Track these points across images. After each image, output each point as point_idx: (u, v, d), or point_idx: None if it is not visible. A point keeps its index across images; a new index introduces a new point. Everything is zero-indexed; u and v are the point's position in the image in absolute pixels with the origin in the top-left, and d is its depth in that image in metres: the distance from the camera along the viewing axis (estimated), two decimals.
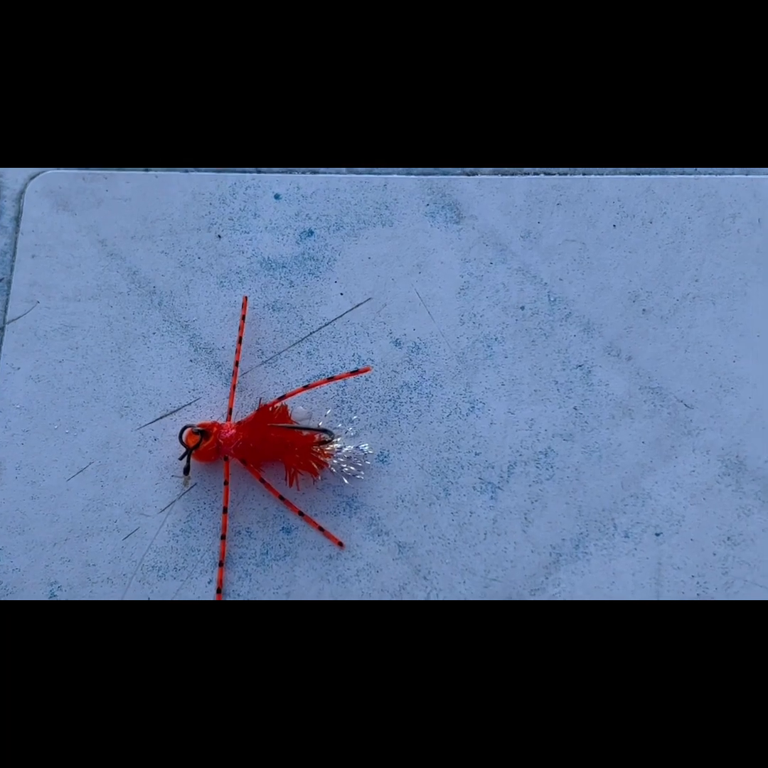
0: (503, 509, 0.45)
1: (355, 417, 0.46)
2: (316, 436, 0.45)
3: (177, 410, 0.47)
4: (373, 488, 0.46)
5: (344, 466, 0.45)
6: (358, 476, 0.45)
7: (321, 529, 0.45)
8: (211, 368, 0.48)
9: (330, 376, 0.47)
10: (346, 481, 0.45)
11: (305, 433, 0.45)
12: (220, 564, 0.44)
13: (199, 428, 0.45)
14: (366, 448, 0.46)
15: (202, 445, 0.44)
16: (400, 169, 0.51)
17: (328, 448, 0.45)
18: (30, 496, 0.46)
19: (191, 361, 0.48)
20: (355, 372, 0.46)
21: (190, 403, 0.47)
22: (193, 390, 0.47)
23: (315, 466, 0.45)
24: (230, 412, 0.46)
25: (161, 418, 0.47)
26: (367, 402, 0.47)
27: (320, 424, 0.46)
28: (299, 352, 0.48)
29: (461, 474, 0.46)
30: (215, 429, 0.45)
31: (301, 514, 0.45)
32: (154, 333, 0.48)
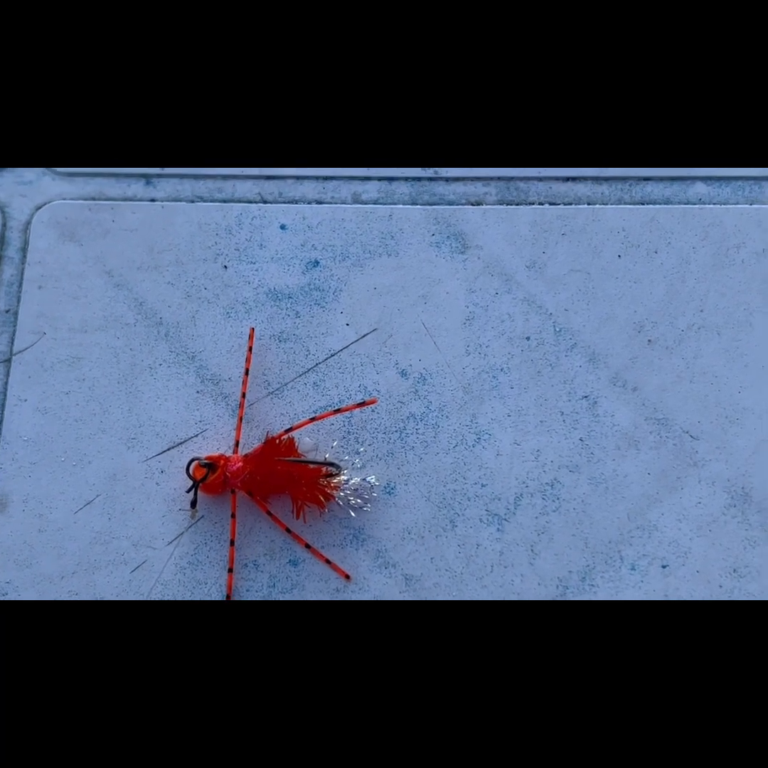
0: (510, 541, 0.45)
1: (361, 449, 0.46)
2: (323, 469, 0.45)
3: (184, 442, 0.47)
4: (380, 520, 0.46)
5: (351, 498, 0.45)
6: (364, 508, 0.46)
7: (328, 561, 0.45)
8: (218, 400, 0.48)
9: (336, 407, 0.47)
10: (352, 513, 0.45)
11: (312, 465, 0.45)
12: (228, 597, 0.44)
13: (206, 461, 0.45)
14: (373, 480, 0.46)
15: (209, 478, 0.45)
16: (405, 197, 0.51)
17: (335, 481, 0.45)
18: (37, 528, 0.46)
19: (198, 392, 0.48)
20: (362, 404, 0.46)
21: (196, 435, 0.47)
22: (200, 421, 0.48)
23: (322, 498, 0.45)
24: (237, 444, 0.46)
25: (168, 450, 0.47)
26: (374, 433, 0.47)
27: (327, 456, 0.46)
28: (305, 383, 0.48)
29: (468, 506, 0.46)
30: (222, 462, 0.45)
31: (308, 546, 0.45)
32: (160, 364, 0.48)
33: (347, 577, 0.45)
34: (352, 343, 0.49)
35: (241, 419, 0.46)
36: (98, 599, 0.44)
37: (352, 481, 0.45)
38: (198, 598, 0.45)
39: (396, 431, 0.47)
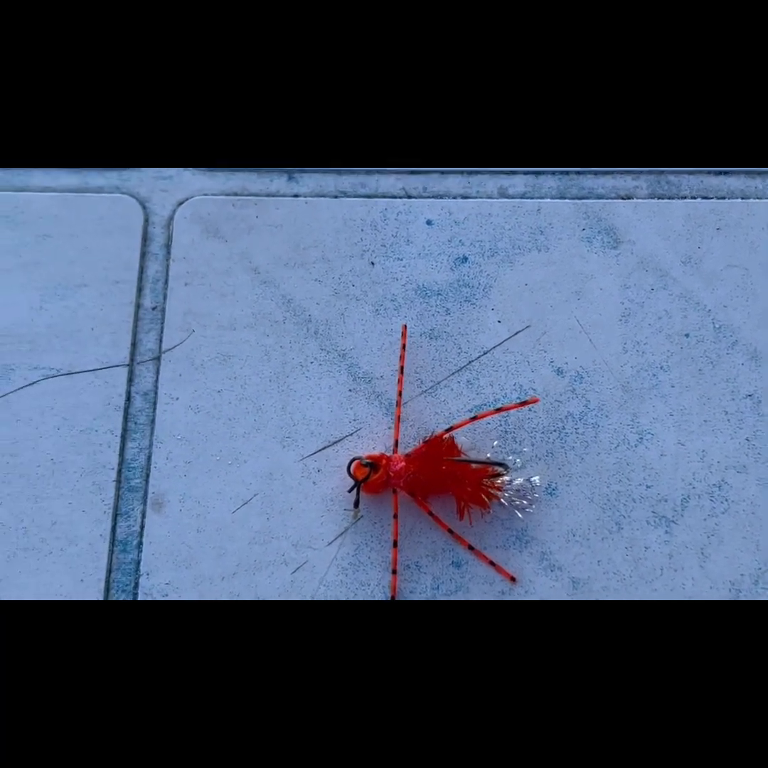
0: (679, 544, 0.44)
1: (526, 448, 0.46)
2: (489, 469, 0.44)
3: (339, 441, 0.46)
4: (543, 522, 0.45)
5: (515, 499, 0.44)
6: (527, 510, 0.45)
7: (492, 563, 0.44)
8: (371, 398, 0.47)
9: (493, 405, 0.46)
10: (519, 514, 0.44)
11: (475, 466, 0.44)
12: (392, 599, 0.44)
13: (368, 460, 0.44)
14: (536, 480, 0.45)
15: (372, 478, 0.44)
16: (553, 191, 0.50)
17: (498, 481, 0.44)
18: (195, 528, 0.45)
19: (350, 390, 0.47)
20: (524, 403, 0.45)
21: (351, 434, 0.47)
22: (354, 420, 0.47)
23: (485, 499, 0.44)
24: (396, 443, 0.45)
25: (324, 448, 0.46)
26: (532, 433, 0.46)
27: (488, 455, 0.45)
28: (459, 382, 0.47)
29: (633, 507, 0.45)
30: (384, 461, 0.44)
31: (470, 548, 0.44)
32: (311, 362, 0.48)
33: (513, 579, 0.44)
34: (504, 340, 0.48)
35: (398, 418, 0.46)
36: (259, 599, 0.44)
37: (516, 482, 0.44)
38: (360, 598, 0.44)
39: (554, 431, 0.46)
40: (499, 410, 0.45)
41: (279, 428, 0.47)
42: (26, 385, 0.47)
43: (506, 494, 0.44)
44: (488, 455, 0.45)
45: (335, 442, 0.46)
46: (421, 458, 0.44)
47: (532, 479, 0.45)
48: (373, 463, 0.44)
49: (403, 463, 0.44)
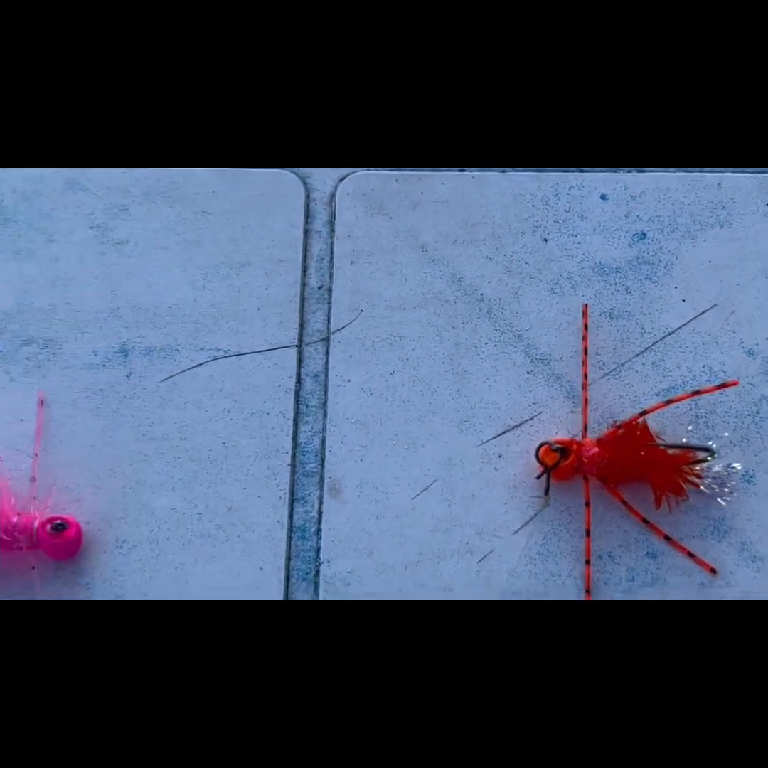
0: None
1: (726, 433, 0.43)
2: (691, 455, 0.42)
3: (519, 425, 0.44)
4: (741, 510, 0.42)
5: (714, 486, 0.42)
6: (727, 498, 0.42)
7: (690, 554, 0.42)
8: (550, 380, 0.45)
9: (681, 388, 0.44)
10: (722, 502, 0.42)
11: (672, 451, 0.42)
12: (587, 591, 0.42)
13: (558, 446, 0.42)
14: (737, 466, 0.42)
15: (562, 464, 0.42)
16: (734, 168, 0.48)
17: (698, 468, 0.42)
18: (374, 515, 0.43)
19: (528, 373, 0.45)
20: (722, 386, 0.43)
21: (531, 418, 0.45)
22: (534, 404, 0.45)
23: (684, 486, 0.42)
24: (585, 428, 0.43)
25: (504, 433, 0.44)
26: (724, 417, 0.44)
27: (684, 440, 0.43)
28: (644, 363, 0.45)
29: None
30: (575, 446, 0.42)
31: (667, 538, 0.42)
32: (486, 343, 0.46)
33: (713, 571, 0.42)
34: (690, 320, 0.45)
35: (586, 401, 0.43)
36: (446, 589, 0.42)
37: (714, 469, 0.42)
38: (551, 590, 0.42)
39: (748, 415, 0.44)
40: (695, 393, 0.43)
41: (455, 412, 0.45)
42: (193, 366, 0.46)
43: (705, 481, 0.42)
44: (684, 440, 0.43)
45: (515, 427, 0.44)
46: (616, 443, 0.42)
47: (733, 465, 0.42)
48: (564, 449, 0.42)
49: (596, 449, 0.42)
